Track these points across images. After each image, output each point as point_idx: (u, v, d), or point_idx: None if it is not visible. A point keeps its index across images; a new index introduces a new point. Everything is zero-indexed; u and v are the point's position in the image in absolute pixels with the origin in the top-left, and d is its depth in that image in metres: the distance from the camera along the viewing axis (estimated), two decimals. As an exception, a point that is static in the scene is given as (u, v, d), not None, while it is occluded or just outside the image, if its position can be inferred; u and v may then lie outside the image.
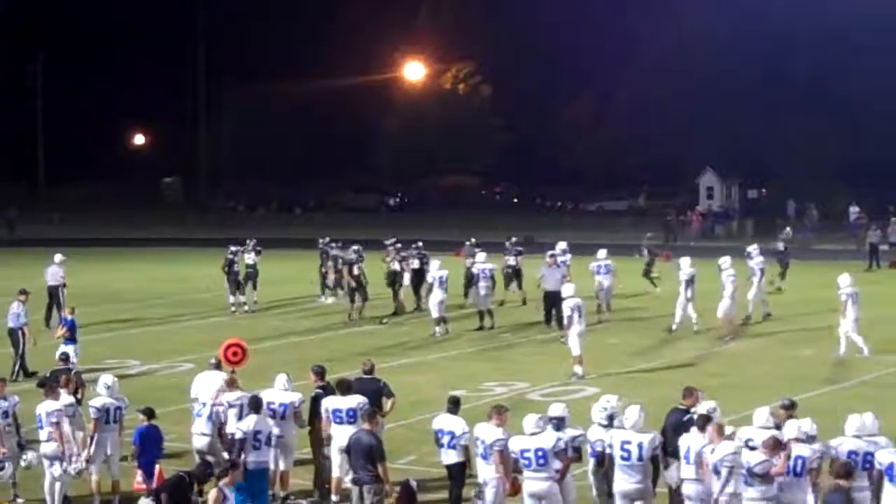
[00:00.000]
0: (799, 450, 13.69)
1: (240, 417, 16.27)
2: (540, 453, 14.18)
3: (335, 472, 16.28)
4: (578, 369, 24.36)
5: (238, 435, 15.65)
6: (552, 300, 29.20)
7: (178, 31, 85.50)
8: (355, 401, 16.28)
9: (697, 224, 63.74)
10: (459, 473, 15.46)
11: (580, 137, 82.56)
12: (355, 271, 32.70)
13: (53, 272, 32.59)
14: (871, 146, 71.64)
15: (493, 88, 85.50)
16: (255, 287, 35.14)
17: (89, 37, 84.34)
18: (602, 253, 33.24)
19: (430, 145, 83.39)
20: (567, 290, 25.42)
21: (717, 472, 13.74)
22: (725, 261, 29.63)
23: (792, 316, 32.43)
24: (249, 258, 35.09)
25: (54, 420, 16.09)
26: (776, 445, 13.48)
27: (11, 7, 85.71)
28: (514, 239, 36.89)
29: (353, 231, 58.45)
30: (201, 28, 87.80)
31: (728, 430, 14.12)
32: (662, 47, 76.04)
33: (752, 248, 32.72)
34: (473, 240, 36.79)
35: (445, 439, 15.37)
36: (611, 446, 14.33)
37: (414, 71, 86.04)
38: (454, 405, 15.62)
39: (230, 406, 16.60)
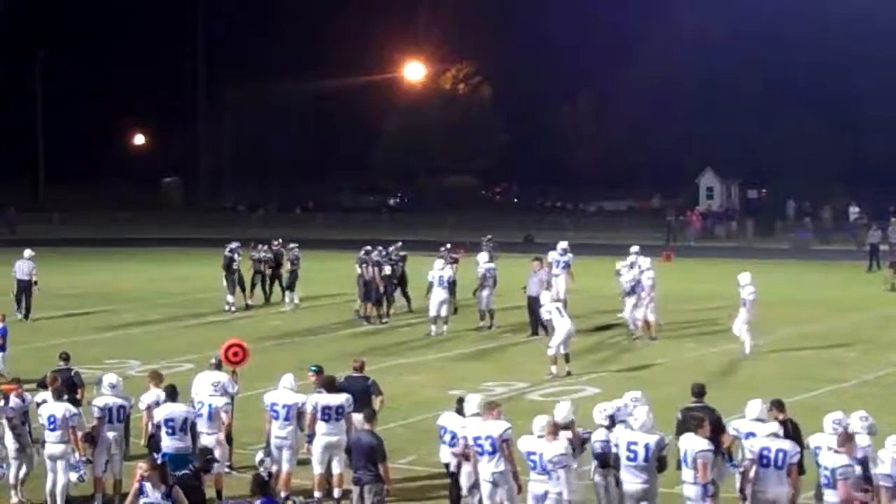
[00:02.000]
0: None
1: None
2: (539, 460, 14.20)
3: (316, 469, 16.31)
4: (553, 368, 24.51)
5: (154, 421, 16.16)
6: (532, 305, 29.00)
7: (178, 31, 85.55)
8: (343, 398, 16.44)
9: (697, 224, 63.78)
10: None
11: (580, 137, 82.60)
12: (386, 271, 32.47)
13: (22, 266, 32.70)
14: (871, 146, 71.69)
15: (493, 88, 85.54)
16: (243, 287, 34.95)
17: (89, 37, 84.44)
18: (634, 248, 32.86)
19: (430, 145, 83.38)
20: (544, 297, 25.83)
21: (545, 471, 13.86)
22: (645, 261, 29.65)
23: (790, 315, 32.44)
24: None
25: (73, 425, 16.06)
26: (848, 439, 13.39)
27: (11, 7, 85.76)
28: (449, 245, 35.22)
29: (352, 231, 58.55)
30: (201, 28, 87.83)
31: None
32: (662, 47, 76.11)
33: (647, 266, 30.62)
34: (449, 245, 35.44)
35: (447, 437, 15.43)
36: (617, 446, 14.33)
37: (414, 71, 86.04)
38: (462, 406, 15.63)
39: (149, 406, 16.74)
